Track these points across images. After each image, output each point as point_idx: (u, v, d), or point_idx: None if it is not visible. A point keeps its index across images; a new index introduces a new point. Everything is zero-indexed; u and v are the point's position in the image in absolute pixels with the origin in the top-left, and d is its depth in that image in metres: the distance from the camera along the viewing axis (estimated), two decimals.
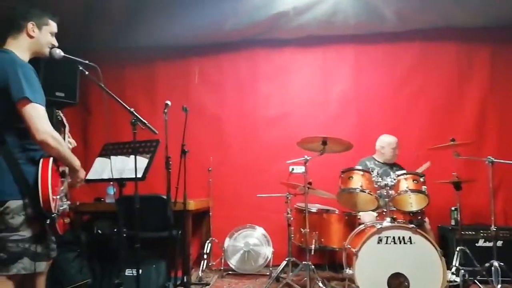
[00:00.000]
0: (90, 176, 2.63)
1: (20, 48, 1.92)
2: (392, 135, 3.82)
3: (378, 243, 2.80)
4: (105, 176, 2.58)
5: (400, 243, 2.78)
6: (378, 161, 3.83)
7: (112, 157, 2.62)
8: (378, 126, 4.12)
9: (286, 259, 3.44)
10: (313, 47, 4.41)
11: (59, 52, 2.10)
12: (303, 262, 3.15)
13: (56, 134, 1.81)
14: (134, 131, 2.35)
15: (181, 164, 3.07)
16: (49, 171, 1.76)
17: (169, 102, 2.93)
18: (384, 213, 3.13)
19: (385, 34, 4.28)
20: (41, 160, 1.79)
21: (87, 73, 2.25)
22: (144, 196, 2.52)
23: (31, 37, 1.93)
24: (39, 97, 1.80)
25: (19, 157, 1.78)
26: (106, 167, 2.59)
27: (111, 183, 3.55)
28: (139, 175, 2.41)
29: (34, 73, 1.86)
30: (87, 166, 2.98)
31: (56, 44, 2.05)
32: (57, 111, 2.30)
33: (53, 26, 2.03)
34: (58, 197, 1.84)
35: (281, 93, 4.43)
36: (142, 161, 2.53)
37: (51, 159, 1.80)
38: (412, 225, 2.86)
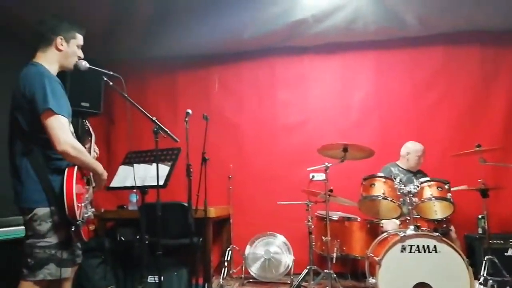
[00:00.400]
0: (114, 183, 2.69)
1: (49, 61, 1.97)
2: (416, 141, 3.75)
3: (402, 251, 2.73)
4: (128, 184, 2.63)
5: (424, 251, 2.71)
6: (402, 168, 3.76)
7: (135, 165, 2.68)
8: (400, 133, 4.05)
9: (308, 267, 3.40)
10: (332, 54, 4.40)
11: (84, 64, 2.17)
12: (325, 271, 3.12)
13: (76, 143, 1.84)
14: (156, 140, 2.39)
15: (201, 172, 3.10)
16: (74, 180, 1.80)
17: (189, 111, 2.97)
18: (407, 221, 3.06)
19: (406, 39, 4.22)
20: (66, 169, 1.83)
21: (111, 83, 2.32)
22: (166, 203, 2.55)
23: (59, 50, 1.98)
24: (63, 109, 1.84)
25: (45, 166, 1.83)
26: (129, 175, 2.64)
27: (134, 190, 3.62)
28: (161, 182, 2.45)
29: (61, 86, 1.91)
30: (110, 174, 3.06)
31: (82, 55, 2.10)
32: (84, 121, 2.36)
33: (80, 39, 2.07)
34: (83, 204, 1.88)
35: (300, 101, 4.42)
36: (164, 169, 2.57)
37: (75, 168, 1.85)
38: (437, 234, 2.78)
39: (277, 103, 4.46)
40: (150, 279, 3.19)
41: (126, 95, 2.33)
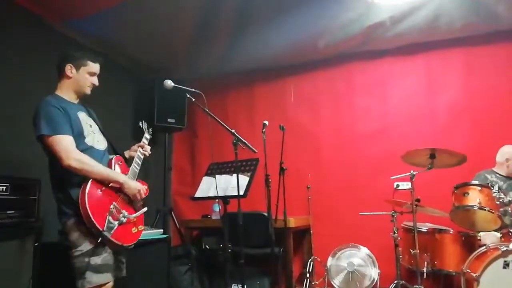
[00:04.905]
0: (198, 194, 2.84)
1: (63, 89, 2.13)
2: None
3: (504, 267, 2.46)
4: (211, 194, 2.76)
5: None
6: (500, 175, 3.38)
7: (216, 176, 2.80)
8: (497, 136, 3.64)
9: (395, 282, 3.22)
10: (414, 55, 4.15)
11: (170, 83, 2.36)
12: (415, 286, 2.92)
13: (80, 156, 1.93)
14: (235, 151, 2.49)
15: (280, 182, 3.12)
16: (86, 192, 1.87)
17: (266, 122, 3.03)
18: (510, 233, 2.75)
19: (499, 33, 3.81)
20: (82, 185, 1.91)
21: (193, 99, 2.48)
22: (247, 213, 2.61)
23: (68, 77, 2.12)
24: (59, 128, 1.95)
25: (70, 184, 1.95)
26: (211, 186, 2.77)
27: (216, 200, 3.78)
28: (241, 192, 2.52)
29: (58, 109, 1.99)
30: (195, 185, 3.23)
31: (97, 84, 2.20)
32: (141, 121, 2.51)
33: (92, 66, 2.17)
34: (107, 213, 1.92)
35: (380, 106, 4.23)
36: (244, 179, 2.64)
37: (89, 181, 1.92)
38: None
39: (356, 110, 4.33)
40: (234, 287, 3.28)
41: (207, 110, 2.47)
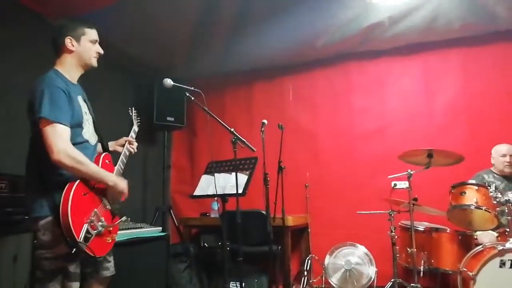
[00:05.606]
0: (197, 192, 2.86)
1: (65, 65, 1.90)
2: None
3: (501, 267, 2.48)
4: (210, 192, 2.77)
5: None
6: (497, 175, 3.40)
7: (215, 174, 2.81)
8: (494, 137, 3.65)
9: (392, 280, 3.24)
10: (412, 55, 4.17)
11: (169, 82, 2.37)
12: (412, 285, 2.94)
13: (74, 153, 1.72)
14: (234, 150, 2.50)
15: (278, 180, 3.14)
16: (70, 197, 1.66)
17: (265, 121, 3.05)
18: (506, 232, 2.76)
19: (497, 33, 3.83)
20: (67, 185, 1.70)
21: (192, 98, 2.49)
22: (245, 211, 2.63)
23: (70, 51, 1.90)
24: (61, 116, 1.73)
25: (53, 180, 1.74)
26: (210, 184, 2.79)
27: (215, 198, 3.80)
28: (240, 191, 2.54)
29: (63, 92, 1.79)
30: (194, 183, 3.24)
31: (102, 51, 2.00)
32: (129, 108, 2.41)
33: (91, 33, 1.96)
34: (87, 221, 1.73)
35: (378, 106, 4.25)
36: (242, 178, 2.66)
37: (75, 183, 1.72)
38: None
39: (354, 109, 4.34)
40: (232, 285, 3.30)
41: (206, 109, 2.48)
